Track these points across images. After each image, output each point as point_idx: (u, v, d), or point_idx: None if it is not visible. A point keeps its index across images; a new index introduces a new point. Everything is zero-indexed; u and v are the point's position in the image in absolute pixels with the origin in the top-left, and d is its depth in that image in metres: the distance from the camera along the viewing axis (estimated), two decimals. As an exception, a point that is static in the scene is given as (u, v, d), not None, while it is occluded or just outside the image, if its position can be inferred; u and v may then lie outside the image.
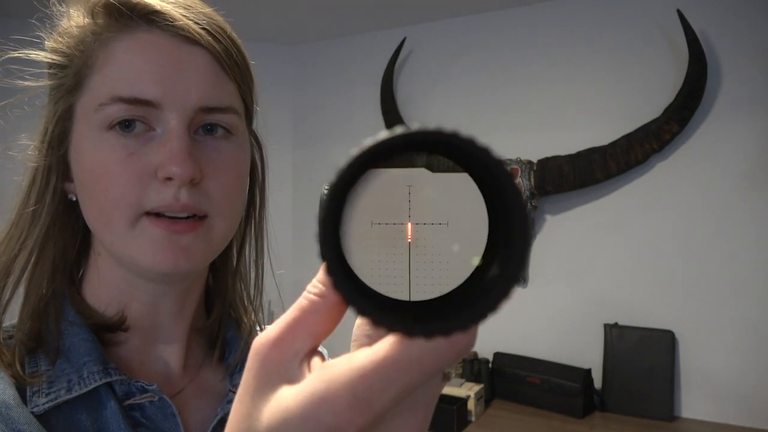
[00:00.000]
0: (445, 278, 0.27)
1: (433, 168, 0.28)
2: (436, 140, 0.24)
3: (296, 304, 0.28)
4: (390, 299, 0.27)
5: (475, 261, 0.27)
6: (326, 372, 0.26)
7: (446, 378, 0.28)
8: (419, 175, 0.28)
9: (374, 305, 0.25)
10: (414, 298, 0.28)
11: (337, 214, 0.25)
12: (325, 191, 0.24)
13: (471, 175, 0.26)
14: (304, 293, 0.28)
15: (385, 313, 0.25)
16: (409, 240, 0.28)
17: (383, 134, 0.24)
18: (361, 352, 0.26)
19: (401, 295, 0.28)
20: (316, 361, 0.28)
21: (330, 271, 0.24)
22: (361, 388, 0.24)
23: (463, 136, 0.23)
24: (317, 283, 0.28)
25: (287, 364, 0.27)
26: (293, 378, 0.27)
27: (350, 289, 0.24)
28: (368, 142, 0.24)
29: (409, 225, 0.28)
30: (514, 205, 0.24)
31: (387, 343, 0.25)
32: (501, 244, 0.25)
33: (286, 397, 0.26)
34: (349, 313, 0.27)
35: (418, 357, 0.24)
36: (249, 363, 0.28)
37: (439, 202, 0.28)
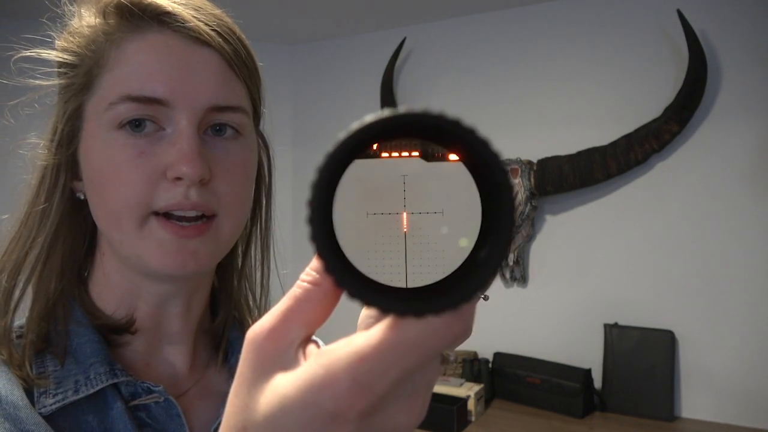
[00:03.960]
0: (441, 266, 0.27)
1: (428, 157, 0.28)
2: (424, 123, 0.24)
3: (290, 293, 0.28)
4: (385, 285, 0.27)
5: (463, 242, 0.27)
6: (324, 357, 0.25)
7: (445, 361, 0.28)
8: (414, 164, 0.28)
9: (365, 287, 0.25)
10: (410, 286, 0.28)
11: (328, 197, 0.25)
12: (315, 177, 0.24)
13: (462, 158, 0.26)
14: (298, 282, 0.28)
15: (378, 294, 0.25)
16: (405, 230, 0.28)
17: (369, 117, 0.24)
18: (358, 336, 0.25)
19: (398, 282, 0.28)
20: (311, 348, 0.28)
21: (321, 254, 0.24)
22: (361, 372, 0.24)
23: (449, 118, 0.24)
24: (311, 271, 0.28)
25: (282, 354, 0.27)
26: (289, 366, 0.27)
27: (342, 272, 0.24)
28: (355, 125, 0.24)
29: (405, 215, 0.28)
30: (501, 184, 0.24)
31: (385, 327, 0.25)
32: (490, 226, 0.25)
33: (284, 385, 0.26)
34: (344, 302, 0.27)
35: (416, 340, 0.24)
36: (243, 354, 0.28)
37: (435, 192, 0.28)
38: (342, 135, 0.24)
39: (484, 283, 0.24)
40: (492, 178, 0.24)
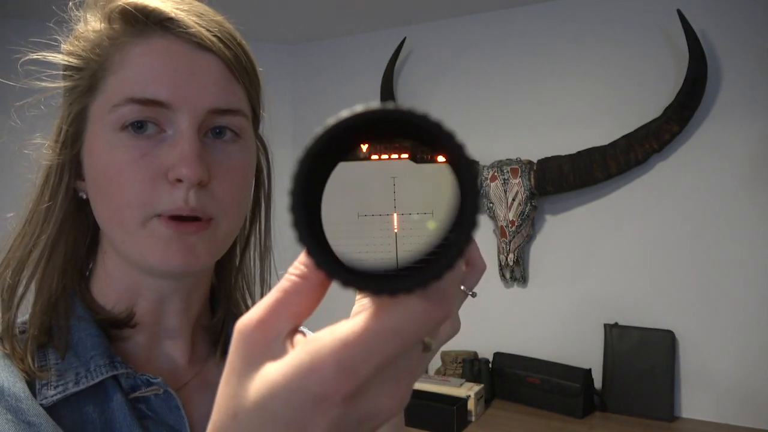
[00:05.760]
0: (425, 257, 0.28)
1: (416, 159, 0.29)
2: (385, 118, 0.25)
3: (278, 285, 0.29)
4: (366, 270, 0.28)
5: (431, 225, 0.28)
6: (310, 345, 0.26)
7: (426, 349, 0.29)
8: (403, 166, 0.29)
9: (345, 269, 0.26)
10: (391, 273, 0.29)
11: (310, 187, 0.26)
12: (295, 169, 0.26)
13: (446, 158, 0.27)
14: (286, 275, 0.29)
15: (355, 276, 0.26)
16: (396, 231, 0.29)
17: (341, 114, 0.25)
18: (343, 324, 0.27)
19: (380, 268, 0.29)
20: (298, 337, 0.29)
21: (303, 240, 0.25)
22: (345, 358, 0.25)
23: (417, 113, 0.24)
24: (299, 264, 0.29)
25: (271, 344, 0.28)
26: (277, 355, 0.28)
27: (322, 256, 0.26)
28: (331, 120, 0.25)
29: (395, 216, 0.29)
30: (461, 166, 0.25)
31: (368, 315, 0.26)
32: (458, 210, 0.26)
33: (272, 372, 0.27)
34: (331, 295, 0.28)
35: (398, 326, 0.26)
36: (233, 345, 0.29)
37: (424, 193, 0.29)
38: (318, 129, 0.25)
39: (451, 263, 0.25)
40: (456, 163, 0.25)
